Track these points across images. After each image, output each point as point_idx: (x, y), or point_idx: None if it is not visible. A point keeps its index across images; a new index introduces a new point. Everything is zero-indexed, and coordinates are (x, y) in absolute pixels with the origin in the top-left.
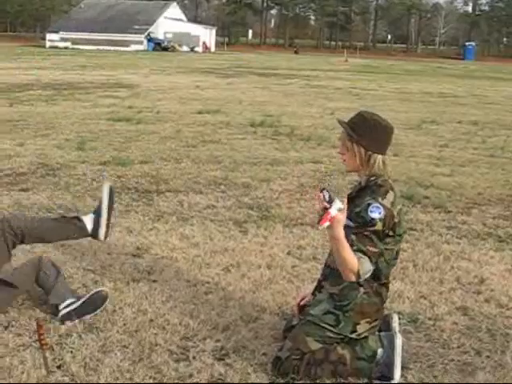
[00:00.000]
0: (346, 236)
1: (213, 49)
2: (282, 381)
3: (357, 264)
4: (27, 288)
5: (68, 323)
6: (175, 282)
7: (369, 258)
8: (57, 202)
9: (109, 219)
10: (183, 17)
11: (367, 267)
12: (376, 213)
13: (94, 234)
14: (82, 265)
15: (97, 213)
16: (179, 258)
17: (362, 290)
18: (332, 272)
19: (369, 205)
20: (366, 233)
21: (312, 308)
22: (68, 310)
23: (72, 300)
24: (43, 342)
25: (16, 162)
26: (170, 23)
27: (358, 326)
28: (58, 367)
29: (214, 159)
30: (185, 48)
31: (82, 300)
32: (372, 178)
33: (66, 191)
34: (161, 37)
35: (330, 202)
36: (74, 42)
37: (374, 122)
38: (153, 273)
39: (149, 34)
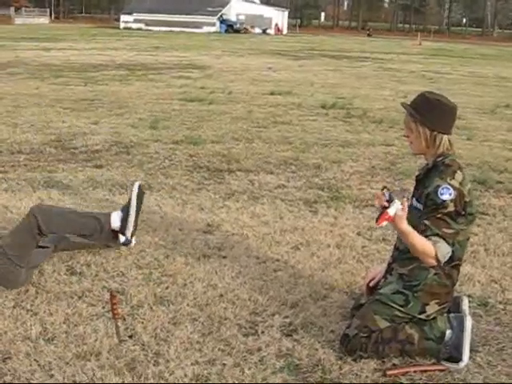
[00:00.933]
0: (416, 220)
1: (285, 31)
2: (349, 358)
3: (432, 249)
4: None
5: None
6: (245, 259)
7: (445, 240)
8: (130, 179)
9: (136, 220)
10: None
11: (445, 250)
12: (446, 194)
13: (122, 232)
14: (154, 240)
15: (125, 211)
16: (249, 235)
17: (432, 271)
18: (401, 254)
19: (438, 186)
20: (438, 215)
21: (382, 288)
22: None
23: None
24: (116, 312)
25: (91, 139)
26: (243, 5)
27: (426, 307)
28: (130, 337)
29: (284, 140)
30: (257, 30)
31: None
32: (439, 159)
33: (138, 169)
34: (233, 19)
35: (390, 201)
36: (148, 23)
37: (436, 102)
38: (223, 249)
39: (221, 16)
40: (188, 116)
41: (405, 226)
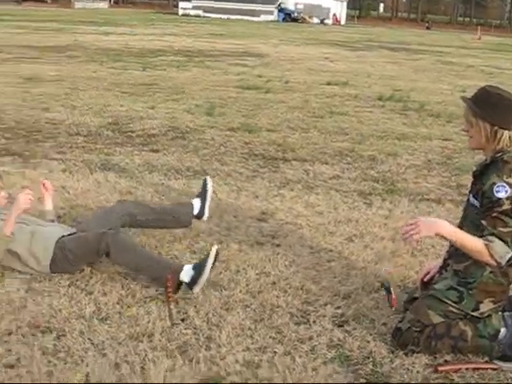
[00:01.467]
0: (473, 216)
1: (343, 21)
2: (400, 352)
3: (484, 248)
4: None
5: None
6: (298, 248)
7: (502, 239)
8: (185, 164)
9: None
10: None
11: (501, 249)
12: (502, 192)
13: (200, 216)
14: (209, 225)
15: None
16: (303, 224)
17: (488, 268)
18: (456, 250)
19: (493, 184)
20: (494, 214)
21: (436, 283)
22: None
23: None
24: (170, 295)
25: (147, 123)
26: None
27: (480, 305)
28: (182, 320)
29: (340, 131)
30: (315, 20)
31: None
32: (498, 155)
33: (194, 154)
34: (291, 7)
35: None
36: (206, 10)
37: (498, 96)
38: (277, 237)
39: (280, 5)
40: (244, 104)
41: (448, 231)
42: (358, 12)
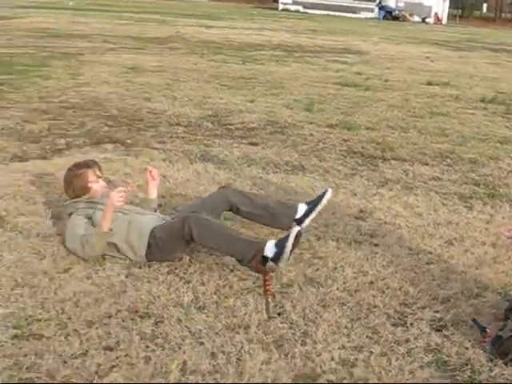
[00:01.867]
0: None
1: (444, 21)
2: (500, 361)
3: None
4: None
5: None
6: (397, 249)
7: None
8: (284, 158)
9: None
10: None
11: None
12: None
13: (300, 221)
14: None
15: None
16: (402, 225)
17: None
18: None
19: None
20: None
21: None
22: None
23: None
24: (267, 288)
25: (246, 117)
26: None
27: None
28: (278, 314)
29: (441, 132)
30: (416, 18)
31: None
32: None
33: (293, 149)
34: (392, 5)
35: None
36: (306, 6)
37: None
38: (375, 236)
39: (380, 2)
40: (343, 101)
41: None
42: (460, 11)
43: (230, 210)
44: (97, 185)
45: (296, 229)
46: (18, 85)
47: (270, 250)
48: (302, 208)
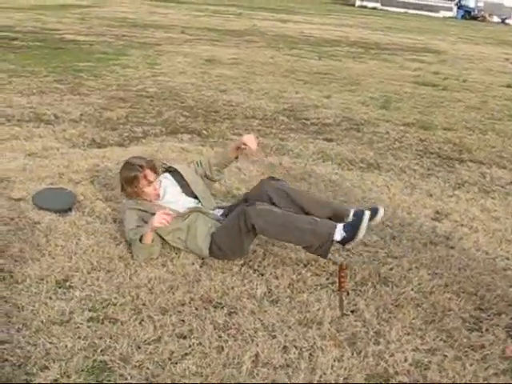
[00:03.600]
0: None
1: None
2: None
3: None
4: None
5: None
6: (473, 252)
7: None
8: (359, 155)
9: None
10: None
11: None
12: None
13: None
14: (382, 219)
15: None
16: (479, 228)
17: None
18: None
19: None
20: None
21: None
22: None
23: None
24: (342, 285)
25: (322, 112)
26: None
27: None
28: (352, 312)
29: None
30: (495, 19)
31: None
32: None
33: (368, 147)
34: (472, 5)
35: None
36: (383, 3)
37: None
38: (451, 239)
39: (459, 1)
40: (420, 100)
41: None
42: None
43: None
44: (148, 188)
45: (368, 213)
46: (97, 72)
47: (338, 233)
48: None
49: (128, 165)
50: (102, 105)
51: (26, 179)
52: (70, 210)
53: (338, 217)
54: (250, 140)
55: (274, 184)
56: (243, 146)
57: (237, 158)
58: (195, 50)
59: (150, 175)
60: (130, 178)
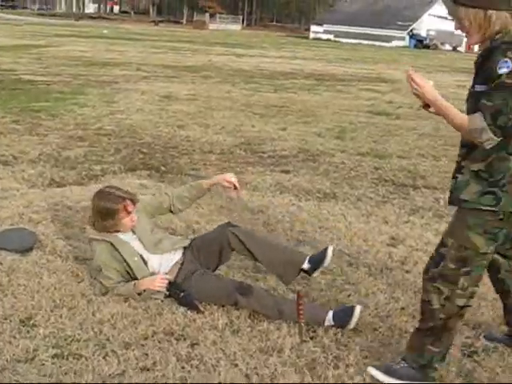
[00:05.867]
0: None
1: (476, 49)
2: None
3: (465, 120)
4: None
5: None
6: None
7: (482, 113)
8: (316, 186)
9: None
10: (448, 15)
11: (477, 122)
12: (504, 68)
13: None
14: (338, 247)
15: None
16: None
17: None
18: (471, 149)
19: (498, 62)
20: (486, 89)
21: (458, 192)
22: None
23: None
24: (301, 312)
25: (278, 145)
26: (434, 21)
27: None
28: (311, 338)
29: None
30: (447, 47)
31: None
32: (497, 37)
33: (324, 177)
34: (423, 34)
35: None
36: (337, 34)
37: None
38: (406, 263)
39: (411, 31)
40: (374, 129)
41: (428, 95)
42: None
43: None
44: (126, 220)
45: (330, 248)
46: (55, 112)
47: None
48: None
49: (107, 196)
50: (60, 144)
51: None
52: (31, 249)
53: (293, 263)
54: (234, 179)
55: (231, 230)
56: (227, 184)
57: (209, 189)
58: (152, 87)
59: (130, 206)
60: (111, 211)
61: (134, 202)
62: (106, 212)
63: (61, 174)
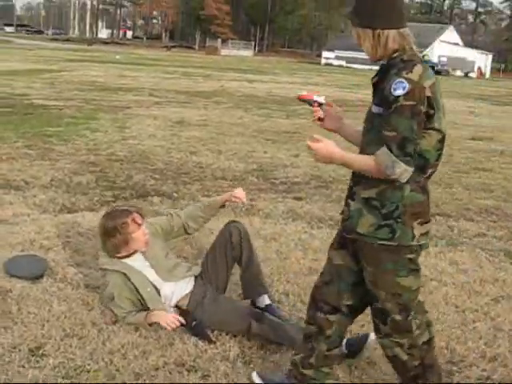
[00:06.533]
0: (378, 128)
1: (487, 75)
2: None
3: (373, 160)
4: None
5: None
6: (443, 305)
7: (387, 145)
8: (328, 213)
9: None
10: (459, 41)
11: (385, 158)
12: (399, 89)
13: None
14: None
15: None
16: (448, 281)
17: (407, 187)
18: (362, 175)
19: (392, 82)
20: (385, 115)
21: (353, 222)
22: None
23: None
24: None
25: (291, 171)
26: (446, 47)
27: (414, 231)
28: None
29: (485, 187)
30: (458, 73)
31: None
32: (395, 55)
33: (337, 204)
34: (435, 60)
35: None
36: (349, 60)
37: None
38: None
39: (423, 57)
40: None
41: (331, 153)
42: (503, 66)
43: None
44: (138, 233)
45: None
46: (67, 137)
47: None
48: None
49: (112, 214)
50: (71, 169)
51: None
52: (41, 276)
53: (254, 292)
54: (241, 194)
55: (234, 224)
56: (234, 199)
57: (223, 206)
58: (164, 113)
59: (139, 218)
60: (120, 225)
61: (141, 214)
62: (113, 228)
63: (72, 199)
